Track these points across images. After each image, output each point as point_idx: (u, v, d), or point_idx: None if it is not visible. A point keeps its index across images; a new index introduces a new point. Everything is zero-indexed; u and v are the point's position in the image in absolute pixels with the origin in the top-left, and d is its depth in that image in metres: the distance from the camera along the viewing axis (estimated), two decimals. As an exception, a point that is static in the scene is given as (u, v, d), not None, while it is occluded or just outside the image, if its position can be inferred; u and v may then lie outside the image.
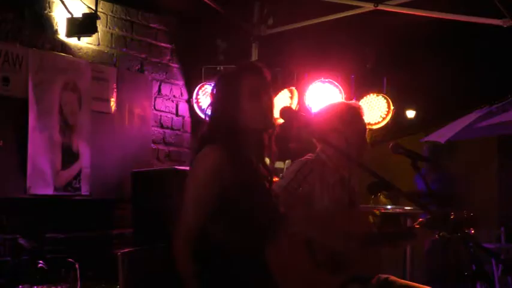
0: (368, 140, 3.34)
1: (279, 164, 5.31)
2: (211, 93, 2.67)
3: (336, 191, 3.15)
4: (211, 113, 2.62)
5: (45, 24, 4.50)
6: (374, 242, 3.05)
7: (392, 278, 3.21)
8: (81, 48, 4.76)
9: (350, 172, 3.24)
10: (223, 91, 2.61)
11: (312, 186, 3.08)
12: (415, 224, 3.16)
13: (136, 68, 5.26)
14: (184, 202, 2.50)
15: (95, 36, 4.77)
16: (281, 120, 2.67)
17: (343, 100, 3.38)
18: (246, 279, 2.49)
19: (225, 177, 2.47)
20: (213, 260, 2.48)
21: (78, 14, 4.58)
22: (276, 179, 2.95)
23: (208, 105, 2.66)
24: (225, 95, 2.59)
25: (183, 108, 5.68)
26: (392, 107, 5.38)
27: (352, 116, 3.24)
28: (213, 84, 2.71)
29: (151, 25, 5.39)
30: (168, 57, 5.56)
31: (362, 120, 3.30)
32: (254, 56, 5.61)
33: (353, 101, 3.61)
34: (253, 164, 2.62)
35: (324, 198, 3.10)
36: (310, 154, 3.22)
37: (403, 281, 3.22)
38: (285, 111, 2.65)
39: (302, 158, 3.20)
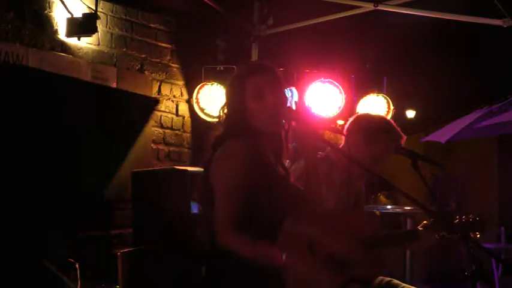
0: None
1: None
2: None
3: (342, 191, 3.14)
4: (225, 114, 2.63)
5: (45, 24, 4.50)
6: (378, 243, 3.03)
7: (395, 281, 3.20)
8: (81, 48, 4.76)
9: (358, 173, 3.22)
10: (231, 92, 2.62)
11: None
12: (419, 226, 3.15)
13: (136, 68, 5.25)
14: (220, 193, 2.45)
15: (95, 36, 4.76)
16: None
17: (379, 114, 3.31)
18: (261, 278, 2.48)
19: (251, 170, 2.46)
20: (229, 260, 2.46)
21: (78, 14, 4.58)
22: None
23: (222, 106, 2.67)
24: (232, 96, 2.60)
25: (183, 108, 5.68)
26: (392, 107, 5.39)
27: (375, 136, 3.19)
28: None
29: (151, 25, 5.39)
30: (168, 57, 5.56)
31: (384, 140, 3.22)
32: (254, 56, 5.61)
33: (385, 118, 3.52)
34: (271, 164, 2.61)
35: (330, 198, 3.08)
36: (319, 153, 3.18)
37: (406, 285, 3.21)
38: (286, 111, 2.64)
39: None
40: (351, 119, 3.35)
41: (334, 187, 3.11)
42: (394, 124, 3.32)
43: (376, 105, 5.41)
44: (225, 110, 2.63)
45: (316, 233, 2.83)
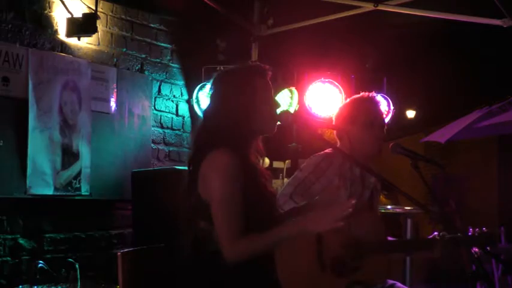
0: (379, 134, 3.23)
1: (278, 164, 5.32)
2: (215, 92, 2.60)
3: (355, 187, 3.12)
4: (215, 113, 2.57)
5: (45, 24, 4.50)
6: (389, 248, 2.97)
7: (399, 285, 3.18)
8: (81, 48, 4.76)
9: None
10: (235, 92, 2.53)
11: (330, 181, 3.05)
12: (434, 235, 3.07)
13: (137, 68, 5.25)
14: (218, 208, 2.42)
15: (95, 36, 4.76)
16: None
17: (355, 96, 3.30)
18: (252, 282, 2.48)
19: (241, 177, 2.44)
20: (218, 263, 2.45)
21: (78, 14, 4.58)
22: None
23: (212, 104, 2.63)
24: (240, 97, 2.52)
25: (183, 108, 5.68)
26: (392, 107, 5.39)
27: (355, 112, 3.20)
28: (215, 83, 2.63)
29: (151, 25, 5.39)
30: (168, 57, 5.56)
31: (367, 113, 3.22)
32: (254, 56, 5.60)
33: (363, 94, 3.46)
34: (258, 166, 2.61)
35: (342, 194, 3.05)
36: (330, 148, 3.15)
37: None
38: (285, 115, 2.63)
39: (321, 152, 3.16)
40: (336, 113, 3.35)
41: (346, 182, 3.08)
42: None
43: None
44: (219, 109, 2.55)
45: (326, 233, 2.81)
